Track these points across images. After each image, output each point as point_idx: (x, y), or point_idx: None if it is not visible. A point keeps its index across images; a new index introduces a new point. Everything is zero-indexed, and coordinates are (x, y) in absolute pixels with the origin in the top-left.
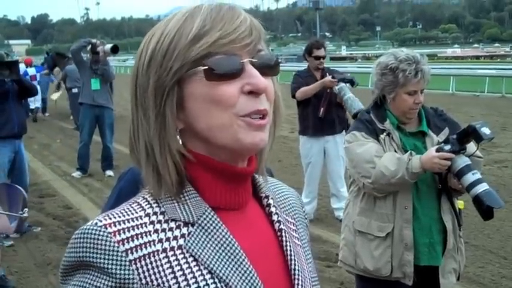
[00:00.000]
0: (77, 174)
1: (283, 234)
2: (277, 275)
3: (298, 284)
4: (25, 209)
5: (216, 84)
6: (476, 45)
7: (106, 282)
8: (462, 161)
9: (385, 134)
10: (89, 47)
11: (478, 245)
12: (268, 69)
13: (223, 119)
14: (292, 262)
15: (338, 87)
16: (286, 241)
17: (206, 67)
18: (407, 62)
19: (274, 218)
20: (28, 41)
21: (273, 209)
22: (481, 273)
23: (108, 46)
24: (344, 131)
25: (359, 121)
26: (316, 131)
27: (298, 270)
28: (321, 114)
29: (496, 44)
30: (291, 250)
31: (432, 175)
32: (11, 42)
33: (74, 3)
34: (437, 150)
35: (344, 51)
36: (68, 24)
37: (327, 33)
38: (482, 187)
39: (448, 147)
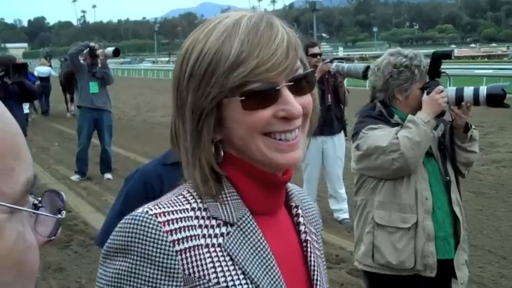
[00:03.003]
0: (75, 177)
1: (309, 245)
2: (299, 282)
3: None
4: (63, 211)
5: (252, 111)
6: (473, 45)
7: (150, 270)
8: (450, 88)
9: (399, 126)
10: (86, 51)
11: (478, 245)
12: (304, 87)
13: (255, 141)
14: (315, 273)
15: (333, 65)
16: (310, 252)
17: (243, 98)
18: (417, 58)
19: (302, 228)
20: (25, 45)
21: (301, 219)
22: (481, 273)
23: (110, 49)
24: (343, 131)
25: (369, 117)
26: (314, 131)
27: (319, 280)
28: (330, 101)
29: (493, 44)
30: (314, 261)
31: (439, 168)
32: (8, 45)
33: (71, 6)
34: (427, 93)
35: (341, 52)
36: (64, 27)
37: (324, 34)
38: (483, 87)
39: (430, 85)
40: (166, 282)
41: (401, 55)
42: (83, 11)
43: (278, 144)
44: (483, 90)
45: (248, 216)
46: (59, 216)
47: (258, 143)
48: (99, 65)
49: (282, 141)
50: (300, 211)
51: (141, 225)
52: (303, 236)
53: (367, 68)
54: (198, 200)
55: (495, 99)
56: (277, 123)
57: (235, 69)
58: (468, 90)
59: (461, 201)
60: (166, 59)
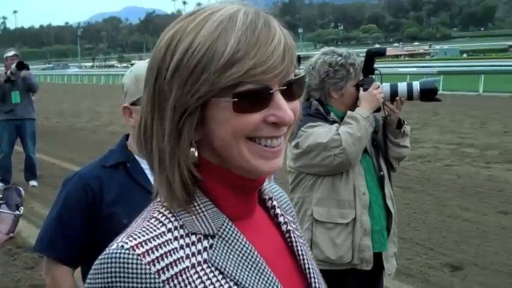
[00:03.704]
0: None
1: (291, 235)
2: (292, 275)
3: (314, 282)
4: (21, 207)
5: (241, 114)
6: (396, 44)
7: None
8: (385, 84)
9: (336, 124)
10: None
11: (406, 237)
12: (295, 92)
13: (239, 145)
14: (305, 261)
15: None
16: (295, 241)
17: (235, 99)
18: (352, 57)
19: (281, 219)
20: None
21: (278, 211)
22: (409, 265)
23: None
24: None
25: (307, 116)
26: None
27: (311, 268)
28: None
29: (416, 43)
30: (301, 250)
31: (373, 163)
32: None
33: None
34: (364, 90)
35: None
36: None
37: None
38: (416, 82)
39: (365, 82)
40: None
41: (336, 54)
42: (4, 17)
43: (263, 151)
44: (416, 85)
45: (228, 224)
46: (17, 212)
47: (241, 148)
48: (20, 77)
49: (267, 147)
50: (274, 202)
51: (120, 262)
52: (283, 227)
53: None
54: (172, 219)
55: (428, 94)
56: (266, 128)
57: (229, 68)
58: (402, 86)
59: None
60: (90, 64)
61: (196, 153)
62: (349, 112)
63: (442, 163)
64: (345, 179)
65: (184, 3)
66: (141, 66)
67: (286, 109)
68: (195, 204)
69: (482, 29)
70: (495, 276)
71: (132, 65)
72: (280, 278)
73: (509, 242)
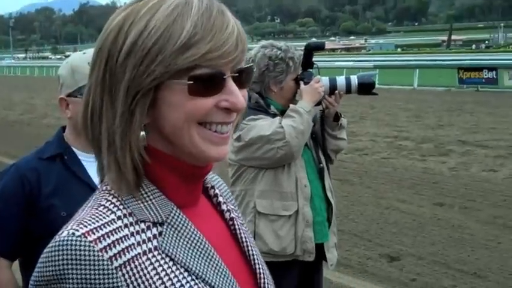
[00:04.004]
0: None
1: (235, 222)
2: (238, 261)
3: (258, 268)
4: None
5: (195, 97)
6: (333, 38)
7: None
8: (324, 78)
9: (278, 117)
10: None
11: (344, 229)
12: (245, 80)
13: (190, 130)
14: (249, 248)
15: None
16: (239, 229)
17: (191, 82)
18: (291, 50)
19: (224, 207)
20: None
21: (220, 199)
22: (348, 256)
23: None
24: None
25: (249, 108)
26: None
27: (255, 255)
28: None
29: (352, 37)
30: (245, 237)
31: (313, 156)
32: None
33: None
34: (305, 84)
35: None
36: None
37: None
38: (354, 76)
39: (305, 76)
40: None
41: (275, 47)
42: None
43: (213, 136)
44: (354, 79)
45: (176, 211)
46: None
47: (192, 132)
48: None
49: (217, 133)
50: (217, 191)
51: (72, 249)
52: (227, 215)
53: None
54: (121, 207)
55: (366, 88)
56: (217, 113)
57: (186, 51)
58: (340, 80)
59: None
60: (23, 55)
61: (145, 139)
62: (291, 106)
63: (379, 156)
64: (287, 171)
65: None
66: (77, 57)
67: (239, 95)
68: (142, 192)
69: (416, 24)
70: (431, 266)
71: (66, 56)
72: (227, 264)
73: (444, 233)
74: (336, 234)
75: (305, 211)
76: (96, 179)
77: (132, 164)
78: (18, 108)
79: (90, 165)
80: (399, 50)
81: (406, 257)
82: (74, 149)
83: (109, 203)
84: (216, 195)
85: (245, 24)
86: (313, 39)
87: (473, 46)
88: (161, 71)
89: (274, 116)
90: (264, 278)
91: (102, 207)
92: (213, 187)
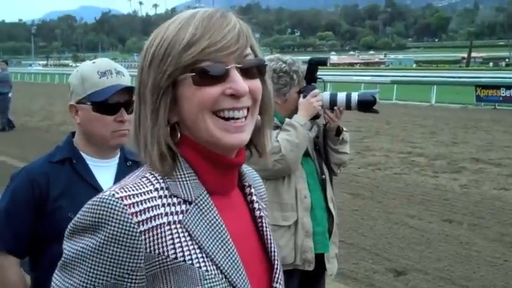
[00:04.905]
0: None
1: (263, 220)
2: (256, 254)
3: (276, 264)
4: None
5: (202, 87)
6: (352, 52)
7: (115, 248)
8: (325, 92)
9: (276, 130)
10: None
11: (353, 243)
12: (253, 72)
13: (205, 119)
14: (271, 245)
15: None
16: (265, 227)
17: (193, 73)
18: (296, 64)
19: (256, 205)
20: None
21: (254, 198)
22: (355, 269)
23: None
24: None
25: None
26: None
27: (275, 252)
28: None
29: (371, 52)
30: (269, 235)
31: (315, 168)
32: None
33: None
34: (304, 97)
35: None
36: None
37: None
38: (355, 93)
39: (306, 89)
40: (128, 259)
41: (280, 61)
42: None
43: (225, 124)
44: (355, 96)
45: (205, 195)
46: None
47: (206, 121)
48: None
49: (230, 121)
50: (252, 190)
51: (108, 207)
52: (257, 213)
53: None
54: (161, 181)
55: (365, 105)
56: (226, 100)
57: (188, 49)
58: (341, 96)
59: (335, 198)
60: (44, 62)
61: (178, 133)
62: (287, 120)
63: (392, 171)
64: (287, 182)
65: (141, 3)
66: (87, 66)
67: (241, 82)
68: (181, 173)
69: (436, 40)
70: (436, 281)
71: None
72: (243, 254)
73: (451, 249)
74: (337, 245)
75: (305, 221)
76: (102, 182)
77: (160, 156)
78: (38, 114)
79: (98, 169)
80: (414, 65)
81: (412, 272)
82: (83, 154)
83: (152, 176)
84: (251, 194)
85: (265, 36)
86: (333, 53)
87: (491, 64)
88: (171, 69)
89: (276, 128)
90: (278, 273)
91: (145, 178)
92: (249, 186)
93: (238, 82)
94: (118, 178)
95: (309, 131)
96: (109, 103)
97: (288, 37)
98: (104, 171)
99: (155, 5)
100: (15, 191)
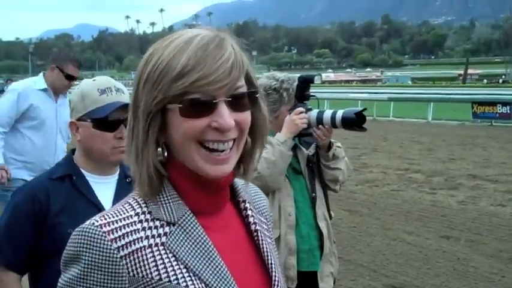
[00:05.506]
0: None
1: (259, 234)
2: (250, 270)
3: (275, 276)
4: None
5: (188, 119)
6: (348, 69)
7: (98, 275)
8: (314, 110)
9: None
10: None
11: (351, 259)
12: (244, 103)
13: (190, 148)
14: (269, 258)
15: None
16: (262, 240)
17: (181, 105)
18: (288, 81)
19: (251, 220)
20: None
21: (249, 212)
22: (353, 285)
23: None
24: None
25: None
26: None
27: (274, 264)
28: None
29: (368, 69)
30: (266, 247)
31: (306, 185)
32: None
33: None
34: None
35: None
36: None
37: None
38: (340, 111)
39: (295, 107)
40: (112, 284)
41: (272, 78)
42: None
43: (209, 156)
44: (339, 113)
45: (188, 215)
46: None
47: (191, 150)
48: None
49: (214, 153)
50: (247, 205)
51: (87, 236)
52: (252, 227)
53: None
54: (143, 205)
55: (349, 123)
56: (211, 132)
57: (179, 80)
58: (327, 114)
59: (330, 215)
60: None
61: (165, 153)
62: (268, 137)
63: (389, 188)
64: (271, 199)
65: (138, 21)
66: (87, 83)
67: (225, 117)
68: (164, 195)
69: (432, 57)
70: None
71: None
72: (236, 269)
73: (449, 265)
74: (334, 264)
75: (288, 238)
76: (102, 199)
77: (147, 177)
78: None
79: (98, 186)
80: (409, 82)
81: None
82: (83, 171)
83: (134, 201)
84: (245, 209)
85: (262, 54)
86: (330, 71)
87: (485, 81)
88: (161, 96)
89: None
90: (277, 285)
91: (127, 204)
92: (244, 201)
93: (224, 117)
94: (117, 194)
95: (307, 149)
96: (109, 120)
97: (285, 54)
98: (103, 187)
99: (152, 23)
100: (16, 206)
